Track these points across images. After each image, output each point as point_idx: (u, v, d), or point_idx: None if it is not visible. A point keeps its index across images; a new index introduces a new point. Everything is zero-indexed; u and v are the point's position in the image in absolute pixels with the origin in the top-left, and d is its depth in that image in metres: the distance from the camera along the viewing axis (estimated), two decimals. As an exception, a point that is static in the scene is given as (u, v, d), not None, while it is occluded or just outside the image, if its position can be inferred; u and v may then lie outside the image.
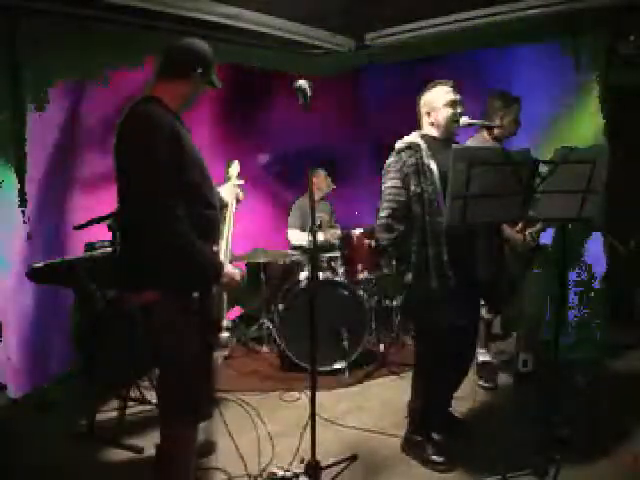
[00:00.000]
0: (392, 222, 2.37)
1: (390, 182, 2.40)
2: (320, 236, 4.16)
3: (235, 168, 2.45)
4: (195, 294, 1.90)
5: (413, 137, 2.44)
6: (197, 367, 1.93)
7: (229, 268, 2.00)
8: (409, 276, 2.38)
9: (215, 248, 2.03)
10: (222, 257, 2.09)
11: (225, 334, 2.19)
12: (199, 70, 1.95)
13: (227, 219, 2.25)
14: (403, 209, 2.37)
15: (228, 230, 2.21)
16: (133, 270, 1.93)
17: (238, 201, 2.36)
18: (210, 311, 1.97)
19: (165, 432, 1.98)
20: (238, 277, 2.04)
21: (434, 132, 2.47)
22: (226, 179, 2.40)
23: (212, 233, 2.00)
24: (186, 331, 1.90)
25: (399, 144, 2.45)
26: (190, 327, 1.90)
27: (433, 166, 2.33)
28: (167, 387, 1.99)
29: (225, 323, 2.24)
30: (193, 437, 2.03)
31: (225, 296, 2.22)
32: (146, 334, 1.99)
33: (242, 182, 2.40)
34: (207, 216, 1.95)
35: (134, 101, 1.89)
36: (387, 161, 2.46)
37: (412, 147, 2.39)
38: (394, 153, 2.44)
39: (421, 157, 2.35)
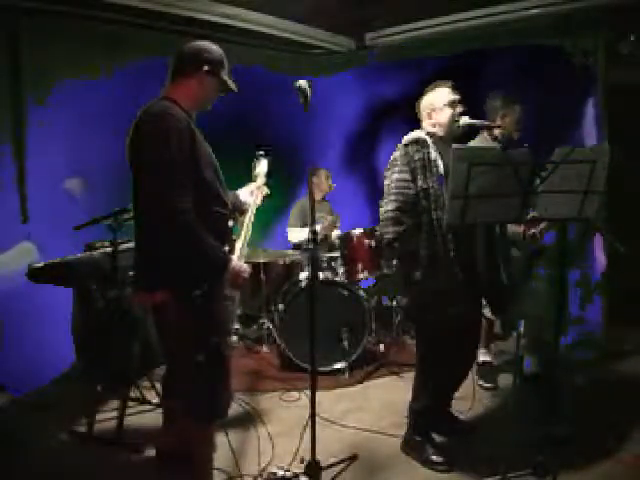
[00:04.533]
0: (400, 215, 2.34)
1: (397, 175, 2.37)
2: (318, 227, 4.12)
3: (263, 167, 2.39)
4: (200, 292, 1.87)
5: (419, 133, 2.44)
6: (209, 366, 1.92)
7: (236, 263, 1.98)
8: (417, 274, 2.34)
9: (226, 247, 2.00)
10: (237, 256, 2.06)
11: (234, 337, 2.15)
12: (205, 68, 1.97)
13: (246, 220, 2.21)
14: (411, 202, 2.34)
15: (246, 231, 2.17)
16: (143, 268, 1.95)
17: (263, 199, 2.34)
18: (219, 311, 1.95)
19: (181, 433, 1.99)
20: (246, 274, 2.02)
21: (436, 132, 2.47)
22: (253, 178, 2.36)
23: (222, 231, 1.99)
24: (195, 330, 1.90)
25: (406, 139, 2.43)
26: (199, 327, 1.89)
27: (439, 162, 2.33)
28: (181, 387, 2.00)
29: (235, 326, 2.18)
30: (211, 436, 2.05)
31: (237, 298, 2.18)
32: (157, 333, 2.00)
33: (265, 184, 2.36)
34: (218, 214, 1.96)
35: (148, 102, 1.91)
36: (393, 155, 2.44)
37: (419, 142, 2.38)
38: (401, 147, 2.42)
39: (428, 152, 2.35)
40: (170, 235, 1.82)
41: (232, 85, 2.06)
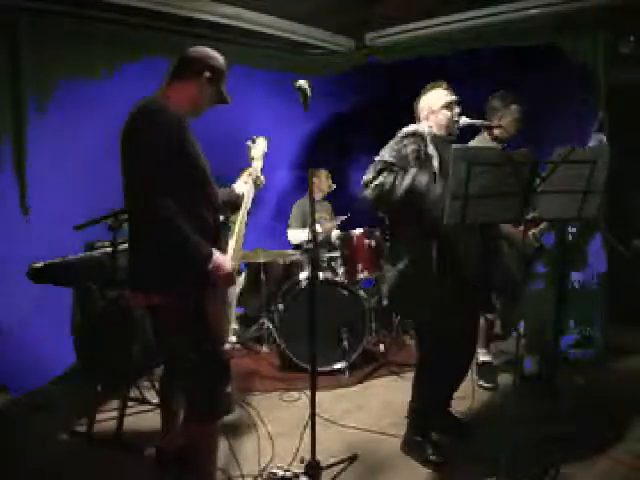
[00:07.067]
0: (380, 174, 2.27)
1: (386, 157, 2.32)
2: (318, 227, 4.11)
3: (261, 147, 2.29)
4: (191, 292, 1.87)
5: (418, 126, 2.42)
6: (204, 365, 1.92)
7: (219, 256, 1.89)
8: (400, 265, 2.35)
9: (214, 248, 1.95)
10: (230, 255, 2.02)
11: (233, 337, 2.11)
12: (207, 74, 1.97)
13: (239, 217, 2.14)
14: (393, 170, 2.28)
15: (239, 229, 2.11)
16: (134, 267, 1.95)
17: (257, 186, 2.26)
18: (210, 311, 1.93)
19: (185, 432, 2.01)
20: (228, 265, 1.91)
21: (435, 131, 2.47)
22: (249, 161, 2.28)
23: (212, 231, 1.97)
24: (187, 330, 1.90)
25: (403, 130, 2.41)
26: (190, 326, 1.90)
27: (435, 159, 2.31)
28: (177, 386, 2.00)
29: (233, 325, 2.14)
30: (214, 435, 2.04)
31: (233, 297, 2.13)
32: (154, 334, 2.01)
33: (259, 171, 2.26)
34: (206, 215, 1.94)
35: (143, 98, 1.91)
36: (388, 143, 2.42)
37: (416, 134, 2.36)
38: (397, 137, 2.40)
39: (425, 145, 2.33)
40: (153, 231, 1.81)
41: (227, 98, 2.07)
